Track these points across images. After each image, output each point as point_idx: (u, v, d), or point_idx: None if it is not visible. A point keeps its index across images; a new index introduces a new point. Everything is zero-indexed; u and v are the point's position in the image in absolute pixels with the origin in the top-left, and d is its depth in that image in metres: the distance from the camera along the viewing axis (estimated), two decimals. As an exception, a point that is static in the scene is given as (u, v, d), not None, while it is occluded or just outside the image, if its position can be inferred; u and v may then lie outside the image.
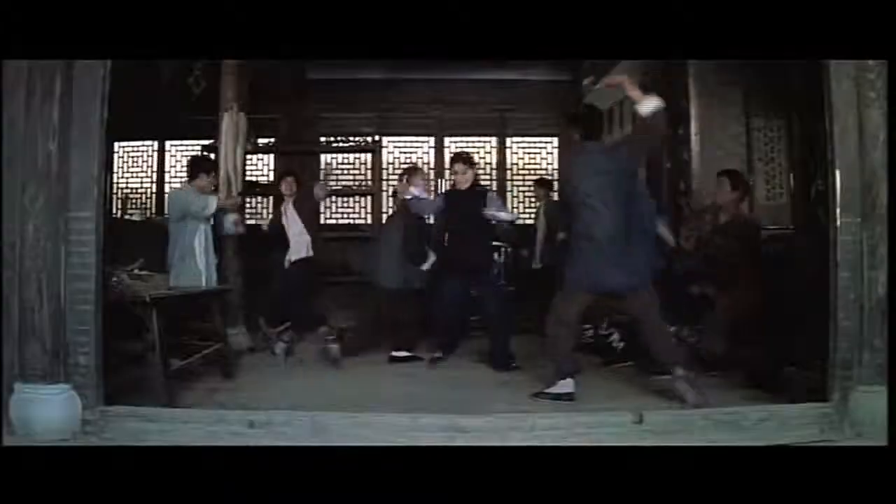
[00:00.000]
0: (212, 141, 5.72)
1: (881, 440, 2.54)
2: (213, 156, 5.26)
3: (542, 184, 6.55)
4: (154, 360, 3.24)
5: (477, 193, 4.46)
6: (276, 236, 5.39)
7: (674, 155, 5.18)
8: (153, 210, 7.61)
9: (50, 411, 2.76)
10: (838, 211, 2.92)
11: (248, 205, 6.40)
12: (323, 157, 7.57)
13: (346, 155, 7.65)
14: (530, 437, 2.78)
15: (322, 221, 7.37)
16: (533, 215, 7.99)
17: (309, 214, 5.31)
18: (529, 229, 6.41)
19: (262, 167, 7.73)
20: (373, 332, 4.92)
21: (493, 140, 7.95)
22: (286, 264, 5.31)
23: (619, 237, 3.34)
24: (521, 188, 8.16)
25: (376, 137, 7.38)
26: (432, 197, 4.85)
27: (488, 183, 7.86)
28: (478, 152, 7.96)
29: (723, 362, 3.90)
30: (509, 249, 6.42)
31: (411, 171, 4.93)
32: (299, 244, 5.28)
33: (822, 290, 2.96)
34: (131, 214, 7.29)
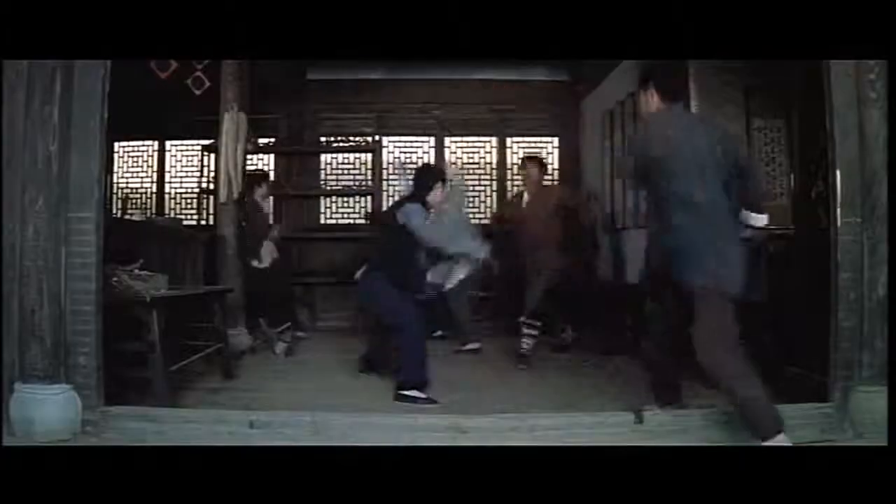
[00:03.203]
0: (212, 141, 5.73)
1: (881, 440, 2.54)
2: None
3: None
4: (154, 360, 3.24)
5: None
6: None
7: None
8: (153, 210, 7.61)
9: (50, 411, 2.76)
10: (839, 211, 2.92)
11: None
12: (323, 157, 7.58)
13: (346, 155, 7.65)
14: (530, 437, 2.78)
15: (322, 222, 7.46)
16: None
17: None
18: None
19: (262, 167, 7.73)
20: None
21: (493, 140, 7.95)
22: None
23: None
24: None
25: (376, 137, 7.38)
26: None
27: (488, 183, 7.87)
28: (478, 152, 7.97)
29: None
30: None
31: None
32: None
33: (823, 291, 2.96)
34: (131, 214, 7.28)
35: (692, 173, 2.56)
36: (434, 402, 3.53)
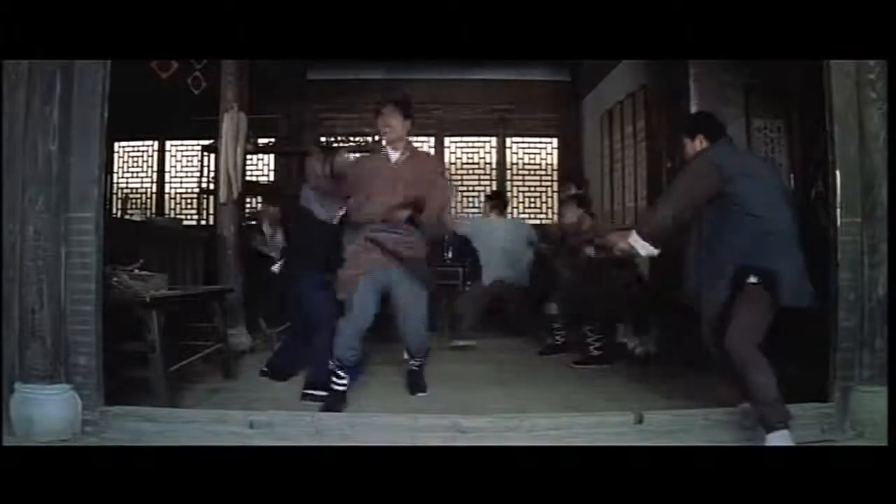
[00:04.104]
0: (212, 141, 5.73)
1: (881, 440, 2.54)
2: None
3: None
4: (154, 360, 3.24)
5: None
6: None
7: (674, 156, 5.18)
8: (153, 210, 7.61)
9: (50, 411, 2.76)
10: (839, 211, 2.92)
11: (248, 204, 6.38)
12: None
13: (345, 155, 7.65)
14: (530, 437, 2.78)
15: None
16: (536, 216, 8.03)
17: None
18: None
19: (262, 167, 7.75)
20: None
21: (493, 140, 7.96)
22: None
23: None
24: (520, 188, 8.16)
25: (376, 137, 7.38)
26: None
27: (488, 183, 7.88)
28: (477, 152, 7.97)
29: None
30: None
31: None
32: None
33: (823, 291, 2.96)
34: (131, 214, 7.29)
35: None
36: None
